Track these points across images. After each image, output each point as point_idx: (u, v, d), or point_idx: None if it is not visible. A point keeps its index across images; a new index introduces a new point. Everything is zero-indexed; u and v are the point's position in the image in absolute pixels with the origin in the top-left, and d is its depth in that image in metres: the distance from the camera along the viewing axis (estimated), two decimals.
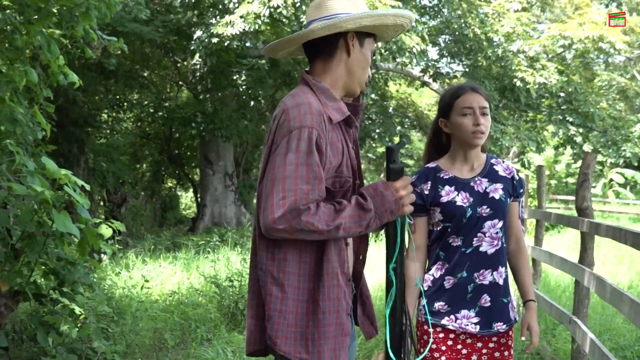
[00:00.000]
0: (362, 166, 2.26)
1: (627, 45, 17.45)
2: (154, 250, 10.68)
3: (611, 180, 25.39)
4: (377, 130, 17.31)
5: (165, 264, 9.26)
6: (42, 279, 4.59)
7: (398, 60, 13.13)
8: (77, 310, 4.53)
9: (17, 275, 4.05)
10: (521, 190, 2.66)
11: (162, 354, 5.24)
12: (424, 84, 17.38)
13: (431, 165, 2.69)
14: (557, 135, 16.76)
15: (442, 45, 16.38)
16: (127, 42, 5.18)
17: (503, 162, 2.69)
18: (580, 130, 16.28)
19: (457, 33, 15.18)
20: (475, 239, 2.56)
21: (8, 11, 4.01)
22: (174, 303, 6.80)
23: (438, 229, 2.62)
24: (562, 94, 15.75)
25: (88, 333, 4.57)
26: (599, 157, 17.39)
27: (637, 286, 8.10)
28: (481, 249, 2.56)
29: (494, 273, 2.56)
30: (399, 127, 18.69)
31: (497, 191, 2.57)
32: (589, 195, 4.45)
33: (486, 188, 2.58)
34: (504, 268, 2.60)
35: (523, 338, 2.62)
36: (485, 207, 2.55)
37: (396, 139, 19.51)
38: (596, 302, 6.31)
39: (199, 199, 16.90)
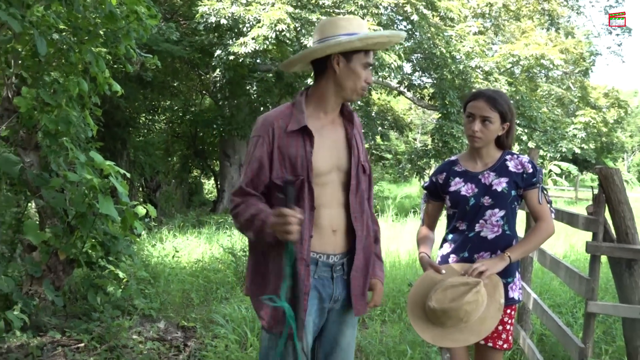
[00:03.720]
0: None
1: (564, 62, 17.44)
2: (182, 227, 10.66)
3: (550, 171, 25.41)
4: (362, 131, 17.25)
5: (191, 237, 9.23)
6: (92, 250, 4.58)
7: (379, 74, 13.12)
8: (121, 274, 4.54)
9: (72, 247, 4.04)
10: (534, 180, 2.42)
11: (189, 310, 5.24)
12: (400, 93, 17.33)
13: (453, 158, 2.58)
14: None
15: (415, 61, 16.32)
16: (160, 59, 5.13)
17: (519, 157, 2.46)
18: (526, 130, 16.28)
19: (427, 52, 15.11)
20: (477, 225, 2.42)
21: (64, 33, 3.97)
22: (198, 269, 6.79)
23: (449, 213, 2.53)
24: (511, 101, 15.72)
25: (129, 293, 4.59)
26: (541, 152, 17.38)
27: (571, 256, 8.11)
28: (482, 234, 2.41)
29: (492, 256, 2.40)
30: (380, 128, 18.65)
31: (500, 184, 2.40)
32: None
33: (492, 181, 2.42)
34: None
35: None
36: (487, 197, 2.40)
37: (378, 138, 19.48)
38: (537, 268, 6.32)
39: (218, 186, 16.82)
